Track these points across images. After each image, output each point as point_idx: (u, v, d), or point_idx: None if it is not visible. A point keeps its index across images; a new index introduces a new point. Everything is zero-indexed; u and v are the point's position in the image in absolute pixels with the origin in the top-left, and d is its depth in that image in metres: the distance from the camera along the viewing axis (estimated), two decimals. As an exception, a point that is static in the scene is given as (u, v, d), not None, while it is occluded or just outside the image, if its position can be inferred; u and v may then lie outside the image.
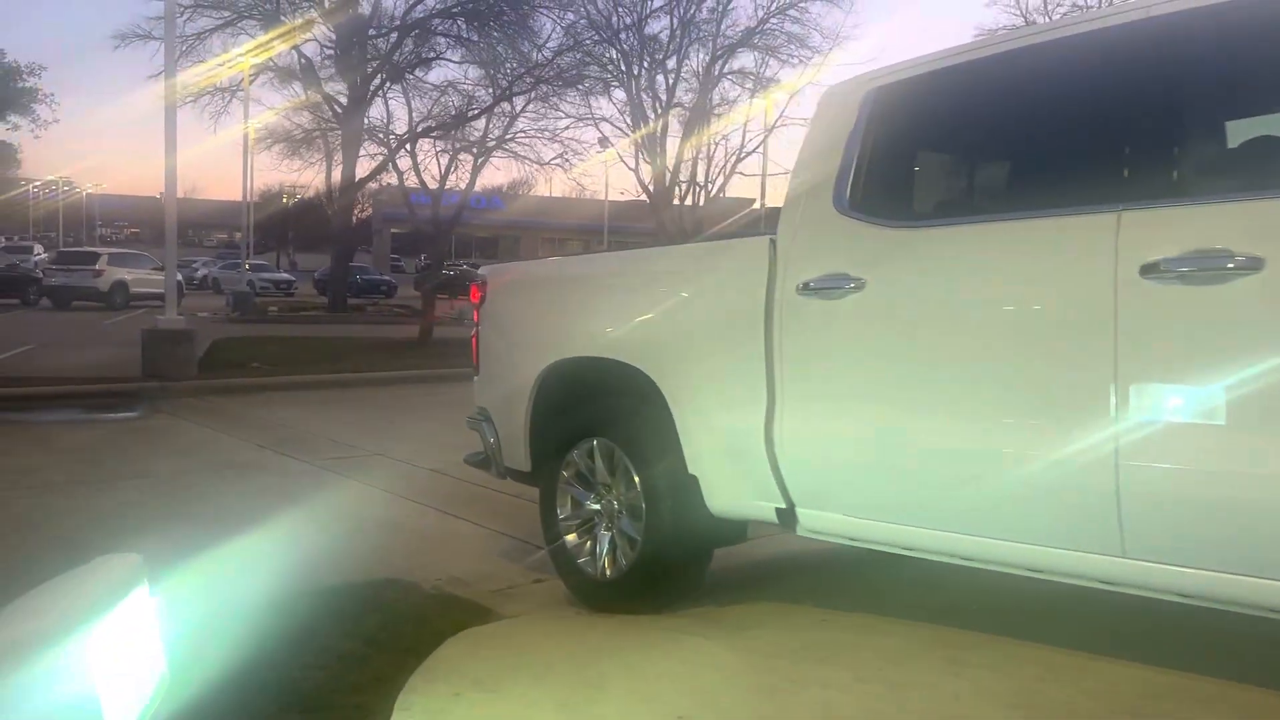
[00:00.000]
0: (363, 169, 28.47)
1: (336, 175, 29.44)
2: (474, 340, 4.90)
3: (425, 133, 27.74)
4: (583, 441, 4.17)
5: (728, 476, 3.63)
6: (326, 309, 29.35)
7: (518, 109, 26.21)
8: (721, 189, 28.93)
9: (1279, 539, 2.35)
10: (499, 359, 4.73)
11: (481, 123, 26.97)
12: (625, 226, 45.42)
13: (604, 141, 32.01)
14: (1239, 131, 2.75)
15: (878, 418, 3.16)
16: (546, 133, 27.61)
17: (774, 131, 28.94)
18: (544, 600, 4.51)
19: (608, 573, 4.05)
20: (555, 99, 26.61)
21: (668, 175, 31.26)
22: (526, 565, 4.89)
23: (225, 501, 6.45)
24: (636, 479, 3.89)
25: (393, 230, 62.59)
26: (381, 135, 27.49)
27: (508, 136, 25.83)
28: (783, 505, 3.49)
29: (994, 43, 3.34)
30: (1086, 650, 3.23)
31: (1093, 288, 2.63)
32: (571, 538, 4.24)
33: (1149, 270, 2.52)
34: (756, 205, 32.79)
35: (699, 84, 31.44)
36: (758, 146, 29.90)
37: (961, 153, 3.53)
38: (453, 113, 26.80)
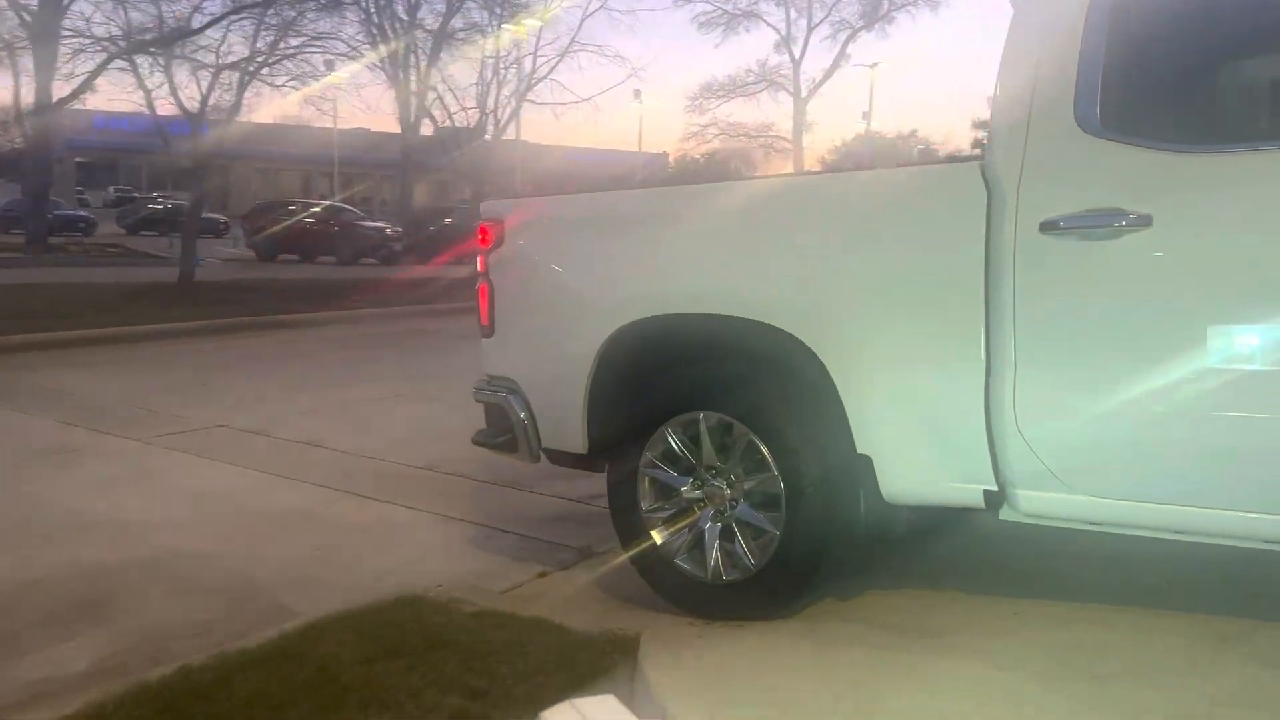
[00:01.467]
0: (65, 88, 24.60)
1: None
2: (483, 293, 3.94)
3: (140, 47, 24.29)
4: (679, 416, 3.40)
5: (918, 456, 3.01)
6: (23, 249, 25.46)
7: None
8: (511, 119, 26.78)
9: None
10: (534, 317, 3.82)
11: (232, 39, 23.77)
12: (360, 157, 42.53)
13: (330, 64, 29.21)
14: None
15: (1163, 383, 2.64)
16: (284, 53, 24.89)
17: (568, 56, 26.97)
18: (571, 597, 3.88)
19: (724, 573, 3.34)
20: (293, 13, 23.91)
21: (415, 103, 29.28)
22: (512, 556, 4.34)
23: (78, 506, 5.08)
24: (771, 459, 3.19)
25: (77, 160, 55.61)
26: (89, 44, 23.74)
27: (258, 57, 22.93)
28: (993, 487, 2.92)
29: None
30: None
31: None
32: (661, 532, 3.48)
33: None
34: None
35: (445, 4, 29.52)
36: (549, 73, 27.96)
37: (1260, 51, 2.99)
38: (174, 23, 23.54)
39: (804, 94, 42.50)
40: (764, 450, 3.22)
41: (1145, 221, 2.61)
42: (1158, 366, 2.64)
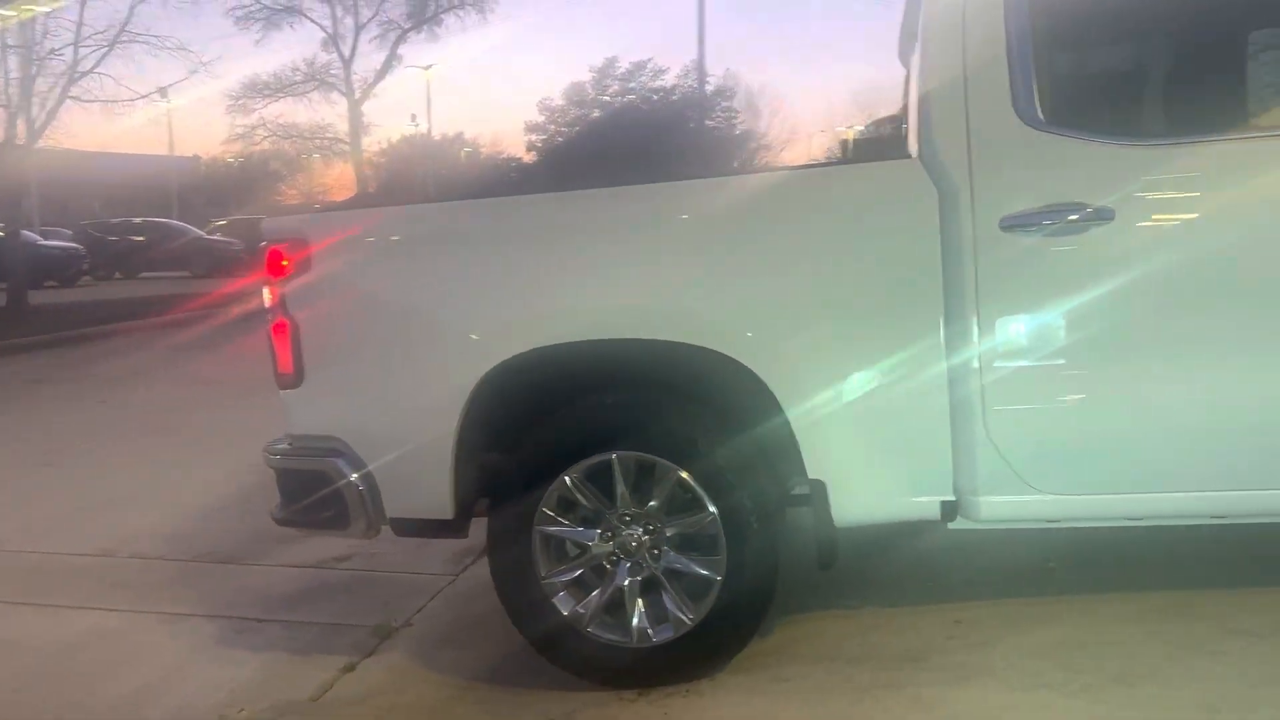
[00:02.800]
0: None
1: None
2: (281, 334, 3.14)
3: None
4: (584, 460, 2.92)
5: (875, 475, 2.81)
6: None
7: None
8: (50, 120, 22.11)
9: None
10: (368, 359, 3.09)
11: None
12: None
13: None
14: None
15: (1135, 376, 2.66)
16: None
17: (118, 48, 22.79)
18: (413, 689, 3.25)
19: (652, 634, 2.93)
20: None
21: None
22: (290, 651, 3.57)
23: None
24: (707, 498, 2.84)
25: None
26: None
27: None
28: (951, 497, 2.81)
29: None
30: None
31: None
32: (567, 599, 2.98)
33: None
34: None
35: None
36: (96, 65, 23.53)
37: (1193, 55, 3.04)
38: None
39: (357, 95, 41.15)
40: (697, 488, 2.84)
41: (1108, 215, 2.60)
42: (1129, 360, 2.66)
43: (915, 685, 2.69)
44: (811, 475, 2.81)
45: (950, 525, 2.88)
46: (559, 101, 43.18)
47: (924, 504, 2.82)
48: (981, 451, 2.73)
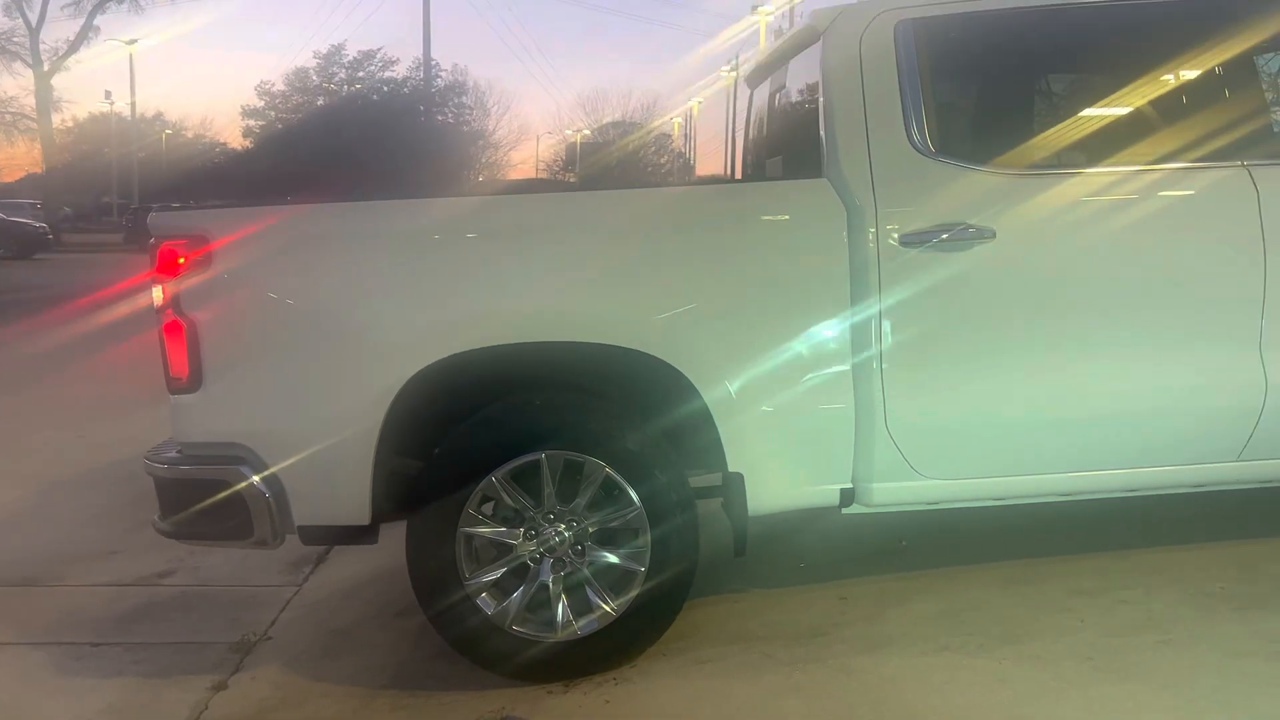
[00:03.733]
0: None
1: None
2: (175, 334, 2.97)
3: None
4: (512, 461, 2.98)
5: (787, 466, 3.06)
6: None
7: None
8: None
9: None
10: (279, 362, 2.97)
11: None
12: None
13: None
14: None
15: (1020, 375, 3.06)
16: None
17: None
18: (305, 704, 3.15)
19: (577, 627, 3.04)
20: None
21: None
22: (142, 675, 3.32)
23: None
24: (634, 493, 2.98)
25: None
26: None
27: None
28: (849, 485, 3.12)
29: None
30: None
31: (1238, 232, 3.03)
32: (492, 599, 3.02)
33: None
34: None
35: None
36: None
37: (1059, 93, 3.41)
38: None
39: (45, 67, 37.21)
40: (624, 484, 2.98)
41: (989, 234, 2.99)
42: (1004, 360, 3.06)
43: (833, 657, 2.96)
44: (732, 468, 3.01)
45: (844, 510, 3.18)
46: (280, 87, 41.11)
47: (826, 491, 3.11)
48: (880, 443, 3.04)
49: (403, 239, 2.98)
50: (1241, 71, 3.15)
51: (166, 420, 3.09)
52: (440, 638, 3.09)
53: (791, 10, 33.47)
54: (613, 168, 60.04)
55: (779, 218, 3.04)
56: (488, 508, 3.01)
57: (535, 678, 3.03)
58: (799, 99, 3.67)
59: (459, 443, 2.99)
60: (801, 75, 3.56)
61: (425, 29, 39.99)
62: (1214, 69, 3.14)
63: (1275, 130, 3.19)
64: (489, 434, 2.99)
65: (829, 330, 3.00)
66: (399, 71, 41.14)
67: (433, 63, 42.71)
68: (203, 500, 3.02)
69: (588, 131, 63.01)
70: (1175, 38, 3.15)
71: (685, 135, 64.09)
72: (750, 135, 4.54)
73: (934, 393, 3.05)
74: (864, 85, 3.07)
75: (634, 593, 3.01)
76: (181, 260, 2.93)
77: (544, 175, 64.89)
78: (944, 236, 2.98)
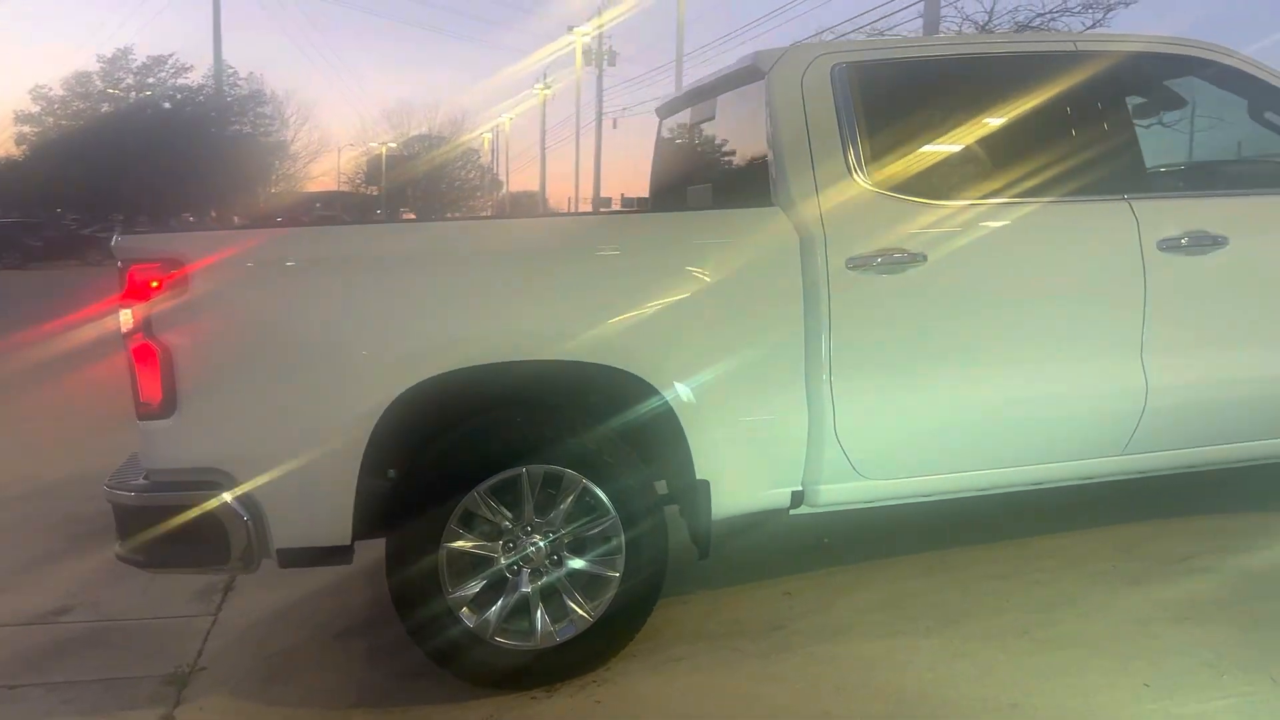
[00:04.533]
0: None
1: None
2: (148, 359, 2.92)
3: None
4: (494, 476, 3.09)
5: (748, 472, 3.30)
6: None
7: None
8: None
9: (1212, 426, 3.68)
10: (262, 385, 2.96)
11: None
12: None
13: None
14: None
15: (953, 383, 3.40)
16: None
17: None
18: None
19: (556, 634, 3.18)
20: None
21: None
22: (76, 715, 3.23)
23: None
24: (610, 503, 3.16)
25: None
26: None
27: None
28: (799, 488, 3.40)
29: (985, 40, 3.70)
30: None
31: (1123, 257, 3.50)
32: (474, 612, 3.11)
33: (1164, 245, 3.52)
34: None
35: None
36: None
37: (972, 133, 3.74)
38: None
39: None
40: (601, 495, 3.14)
41: (921, 258, 3.33)
42: (938, 372, 3.40)
43: (800, 646, 3.21)
44: (699, 476, 3.22)
45: (792, 511, 3.45)
46: (59, 91, 38.35)
47: (780, 494, 3.37)
48: (829, 448, 3.33)
49: (390, 262, 3.04)
50: (1122, 119, 3.65)
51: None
52: (397, 657, 3.25)
53: (601, 32, 34.11)
54: (419, 181, 59.18)
55: (741, 243, 3.28)
56: (469, 522, 3.10)
57: (517, 685, 3.14)
58: (733, 131, 3.94)
59: (442, 460, 3.06)
60: (736, 109, 3.83)
61: (215, 32, 38.46)
62: (1100, 117, 3.62)
63: (1148, 169, 3.69)
64: (471, 450, 3.08)
65: (785, 346, 3.26)
66: (193, 79, 39.27)
67: (230, 70, 41.07)
68: (178, 527, 2.98)
69: (393, 144, 61.93)
70: (1068, 89, 3.61)
71: (493, 150, 63.92)
72: (661, 162, 4.79)
73: (875, 401, 3.36)
74: (808, 122, 3.37)
75: (609, 597, 3.16)
76: (155, 284, 2.89)
77: (345, 189, 63.30)
78: (881, 260, 3.30)
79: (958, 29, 18.19)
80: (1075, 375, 3.52)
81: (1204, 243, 3.55)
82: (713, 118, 4.10)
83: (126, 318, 2.93)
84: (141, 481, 3.02)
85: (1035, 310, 3.47)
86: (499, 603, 3.12)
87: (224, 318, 2.95)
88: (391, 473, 3.06)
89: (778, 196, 3.35)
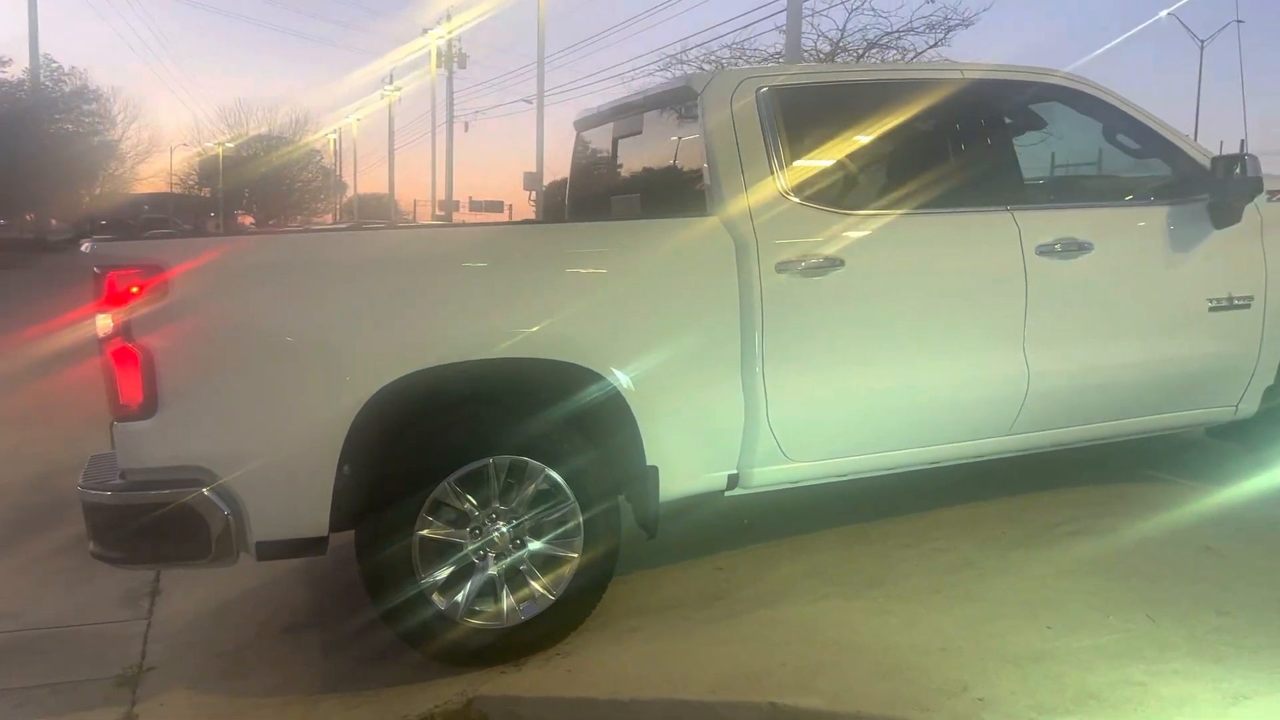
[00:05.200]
0: None
1: None
2: (128, 362, 3.02)
3: None
4: (464, 467, 3.31)
5: (690, 458, 3.62)
6: None
7: None
8: None
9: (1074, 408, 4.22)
10: (245, 385, 3.10)
11: None
12: None
13: None
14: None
15: (867, 374, 3.80)
16: None
17: None
18: None
19: (521, 613, 3.42)
20: None
21: None
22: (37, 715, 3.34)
23: None
24: (569, 489, 3.42)
25: None
26: None
27: None
28: (735, 471, 3.74)
29: (891, 69, 4.11)
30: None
31: (1008, 261, 3.99)
32: (445, 596, 3.32)
33: (1041, 250, 4.03)
34: None
35: None
36: None
37: (878, 151, 4.11)
38: None
39: None
40: (561, 481, 3.40)
41: (839, 263, 3.73)
42: (860, 366, 3.80)
43: (744, 613, 3.53)
44: (649, 462, 3.52)
45: (727, 493, 3.79)
46: None
47: (718, 478, 3.70)
48: (762, 435, 3.68)
49: (372, 266, 3.23)
50: (1004, 139, 4.15)
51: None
52: (354, 646, 3.46)
53: (451, 36, 33.92)
54: (257, 182, 57.30)
55: (688, 251, 3.60)
56: (439, 511, 3.30)
57: (486, 663, 3.36)
58: (664, 145, 4.26)
59: (414, 452, 3.26)
60: (667, 126, 4.16)
61: (32, 23, 36.31)
62: (985, 137, 4.11)
63: (1027, 184, 4.21)
64: (441, 443, 3.30)
65: (725, 342, 3.59)
66: (11, 73, 36.96)
67: (53, 65, 38.89)
68: (159, 524, 3.08)
69: (230, 145, 59.71)
70: (958, 112, 4.09)
71: (337, 153, 62.40)
72: (580, 173, 5.08)
73: (802, 391, 3.72)
74: (738, 140, 3.71)
75: (569, 576, 3.43)
76: (135, 289, 2.99)
77: (177, 190, 60.73)
78: (805, 265, 3.68)
79: (813, 45, 19.14)
80: (969, 366, 3.98)
81: (1073, 248, 4.07)
82: (639, 133, 4.40)
83: (105, 322, 3.02)
84: (119, 481, 3.11)
85: (935, 309, 3.92)
86: (468, 585, 3.33)
87: (204, 321, 3.07)
88: (347, 469, 3.19)
89: (714, 207, 3.68)
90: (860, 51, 20.45)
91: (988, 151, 4.10)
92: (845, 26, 20.48)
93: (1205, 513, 4.33)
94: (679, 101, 3.98)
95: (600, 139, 4.84)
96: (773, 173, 3.72)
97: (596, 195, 4.85)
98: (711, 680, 3.04)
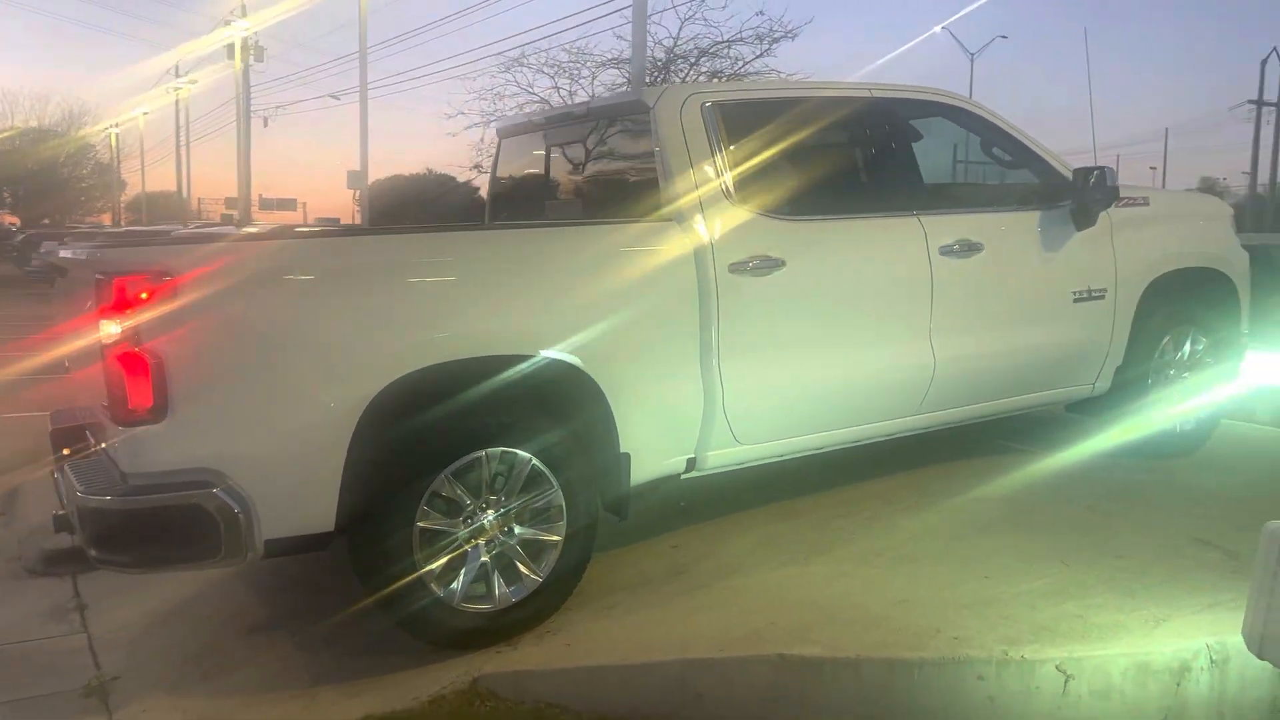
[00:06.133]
0: None
1: None
2: (137, 366, 3.04)
3: None
4: (460, 459, 3.49)
5: (657, 445, 3.92)
6: None
7: None
8: None
9: (976, 387, 4.79)
10: (256, 386, 3.16)
11: None
12: None
13: None
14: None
15: (805, 363, 4.19)
16: None
17: None
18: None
19: (511, 595, 3.63)
20: None
21: None
22: None
23: None
24: (554, 477, 3.65)
25: None
26: None
27: None
28: (693, 455, 4.07)
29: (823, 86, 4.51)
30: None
31: (917, 260, 4.49)
32: (442, 582, 3.49)
33: (943, 250, 4.55)
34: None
35: None
36: None
37: (807, 161, 4.45)
38: None
39: None
40: (547, 471, 3.63)
41: (781, 263, 4.12)
42: (799, 356, 4.20)
43: (710, 583, 3.84)
44: (623, 449, 3.79)
45: (683, 476, 4.11)
46: None
47: (678, 462, 4.02)
48: (718, 421, 4.02)
49: (375, 268, 3.36)
50: (908, 150, 4.64)
51: None
52: (334, 640, 3.61)
53: (249, 28, 32.63)
54: (25, 178, 53.10)
55: (652, 252, 3.89)
56: (435, 502, 3.47)
57: (480, 644, 3.54)
58: (605, 153, 4.52)
59: (415, 447, 3.41)
60: (615, 136, 4.43)
61: None
62: (894, 148, 4.60)
63: (929, 191, 4.74)
64: (439, 437, 3.46)
65: (686, 336, 3.91)
66: None
67: None
68: (169, 526, 3.12)
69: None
70: (872, 127, 4.57)
71: (117, 149, 58.34)
72: (506, 178, 5.28)
73: (752, 380, 4.08)
74: (689, 150, 4.03)
75: (555, 561, 3.66)
76: (145, 295, 3.02)
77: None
78: (753, 265, 4.04)
79: (650, 52, 19.67)
80: (886, 354, 4.46)
81: (968, 248, 4.61)
82: (580, 141, 4.65)
83: (110, 328, 3.03)
84: (123, 485, 3.12)
85: (858, 303, 4.37)
86: (463, 572, 3.51)
87: (213, 324, 3.12)
88: (352, 464, 3.28)
89: (669, 212, 3.98)
90: (694, 59, 21.17)
91: (896, 161, 4.59)
92: (679, 35, 21.11)
93: (1077, 477, 4.99)
94: (630, 114, 4.26)
95: (529, 145, 5.04)
96: (720, 179, 4.05)
97: (527, 199, 5.06)
98: (718, 639, 3.32)
